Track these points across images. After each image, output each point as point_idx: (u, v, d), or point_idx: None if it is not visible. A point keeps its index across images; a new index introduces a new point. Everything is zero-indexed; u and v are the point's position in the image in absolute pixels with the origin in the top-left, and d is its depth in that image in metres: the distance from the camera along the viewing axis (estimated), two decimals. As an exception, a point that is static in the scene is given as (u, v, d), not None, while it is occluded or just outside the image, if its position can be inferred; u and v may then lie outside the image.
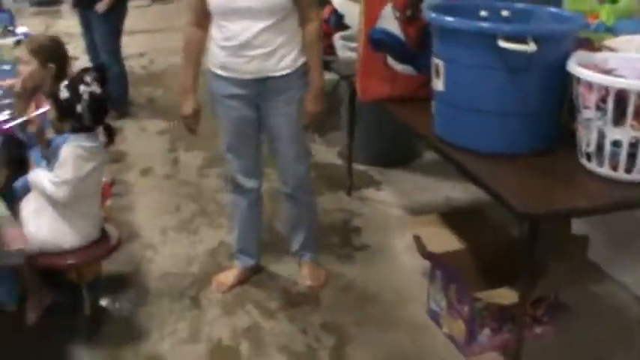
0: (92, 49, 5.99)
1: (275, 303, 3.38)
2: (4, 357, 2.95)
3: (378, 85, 3.50)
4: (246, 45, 2.94)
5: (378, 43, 3.43)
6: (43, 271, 3.10)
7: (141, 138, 5.52)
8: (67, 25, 8.81)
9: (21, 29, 5.29)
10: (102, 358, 2.99)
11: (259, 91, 3.07)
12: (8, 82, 3.63)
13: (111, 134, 3.04)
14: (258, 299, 3.41)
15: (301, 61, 3.07)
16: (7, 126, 3.23)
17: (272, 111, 3.13)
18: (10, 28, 5.05)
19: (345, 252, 3.84)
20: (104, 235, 3.10)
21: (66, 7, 11.87)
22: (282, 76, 3.03)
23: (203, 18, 3.05)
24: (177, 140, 5.47)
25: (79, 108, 2.84)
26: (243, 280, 3.52)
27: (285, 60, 3.01)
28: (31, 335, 3.10)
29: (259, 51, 2.95)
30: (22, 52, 3.35)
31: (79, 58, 6.76)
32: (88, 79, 2.89)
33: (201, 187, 4.67)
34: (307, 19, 3.03)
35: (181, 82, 3.22)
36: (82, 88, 2.85)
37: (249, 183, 3.33)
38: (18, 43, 4.84)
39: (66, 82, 2.92)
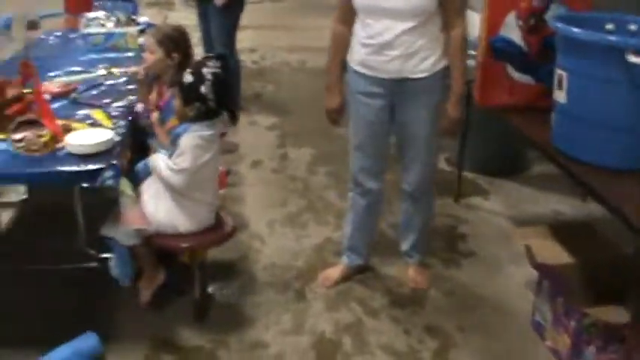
0: (207, 41, 6.25)
1: (379, 302, 3.50)
2: (116, 330, 3.19)
3: (497, 92, 3.58)
4: (387, 44, 3.07)
5: (499, 51, 3.50)
6: (158, 251, 3.32)
7: (251, 131, 5.74)
8: (181, 17, 9.18)
9: (143, 19, 5.59)
10: (207, 341, 3.19)
11: (397, 91, 3.19)
12: (133, 69, 3.86)
13: (234, 116, 3.23)
14: (362, 297, 3.54)
15: (441, 65, 3.16)
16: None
17: (408, 112, 3.24)
18: (134, 17, 5.34)
19: (451, 257, 3.92)
20: (219, 222, 3.30)
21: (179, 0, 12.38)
22: (421, 79, 3.14)
23: (349, 15, 3.19)
24: (286, 136, 5.69)
25: (202, 89, 3.03)
26: (348, 277, 3.67)
27: (425, 63, 3.12)
28: (142, 312, 3.33)
29: (400, 51, 3.07)
30: (147, 40, 3.57)
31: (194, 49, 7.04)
32: (210, 63, 3.09)
33: (309, 183, 4.84)
34: (452, 24, 3.12)
35: (327, 77, 3.39)
36: (205, 70, 3.06)
37: (371, 183, 3.45)
38: (142, 31, 5.14)
39: (190, 69, 3.13)
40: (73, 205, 3.62)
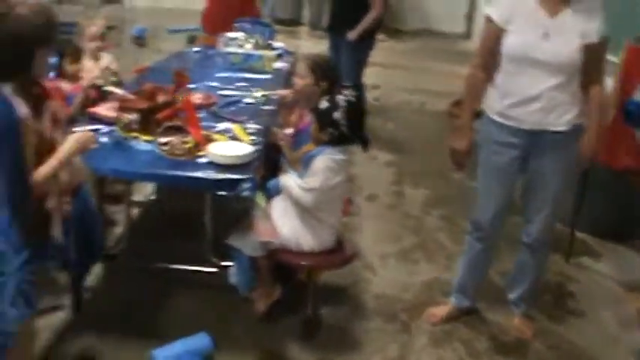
0: (336, 72, 6.53)
1: (482, 345, 3.59)
2: (227, 336, 3.39)
3: (623, 155, 3.62)
4: (531, 98, 3.18)
5: (632, 114, 3.56)
6: (278, 266, 3.52)
7: (369, 166, 5.93)
8: (306, 47, 9.55)
9: (278, 44, 5.90)
10: (312, 358, 3.35)
11: (533, 143, 3.29)
12: (282, 92, 4.06)
13: (365, 143, 3.41)
14: (466, 338, 3.63)
15: (579, 120, 3.26)
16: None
17: (543, 164, 3.33)
18: (270, 42, 5.66)
19: (558, 313, 3.96)
20: (340, 245, 3.48)
21: (304, 29, 12.81)
22: (560, 132, 3.23)
23: (490, 63, 3.32)
24: (403, 174, 5.85)
25: (336, 115, 3.24)
26: (454, 318, 3.77)
27: (565, 117, 3.21)
28: (254, 323, 3.53)
29: (542, 104, 3.18)
30: (299, 66, 3.81)
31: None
32: (345, 92, 3.30)
33: (423, 223, 4.98)
34: (593, 81, 3.22)
35: (459, 119, 3.51)
36: (339, 97, 3.27)
37: (490, 230, 3.55)
38: (279, 56, 5.44)
39: (325, 97, 3.35)
40: (194, 211, 3.90)
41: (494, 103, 3.34)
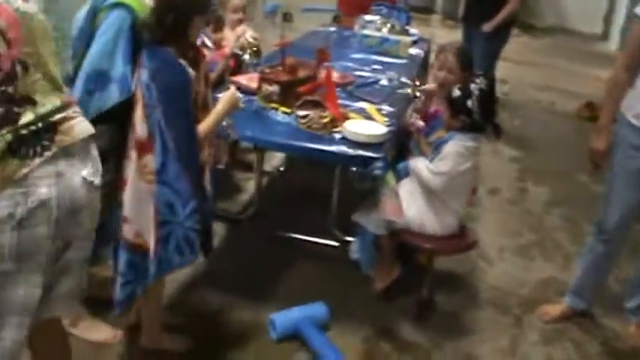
0: (468, 63, 6.57)
1: (594, 349, 3.60)
2: (343, 308, 3.54)
3: None
4: None
5: None
6: (399, 246, 3.64)
7: (493, 160, 5.96)
8: (439, 35, 9.57)
9: (414, 31, 5.99)
10: (425, 340, 3.46)
11: None
12: (430, 86, 4.09)
13: (497, 132, 3.48)
14: (578, 340, 3.65)
15: None
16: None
17: None
18: (407, 28, 5.75)
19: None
20: (462, 231, 3.57)
21: (436, 18, 12.82)
22: None
23: (635, 64, 3.31)
24: (527, 171, 5.86)
25: (469, 103, 3.33)
26: (567, 318, 3.78)
27: None
28: (370, 300, 3.68)
29: None
30: (445, 57, 3.85)
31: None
32: (477, 80, 3.38)
33: (543, 221, 4.99)
34: None
35: (600, 119, 3.51)
36: (472, 86, 3.35)
37: (616, 233, 3.54)
38: (414, 42, 5.53)
39: (458, 85, 3.43)
40: (321, 186, 4.06)
41: (632, 106, 3.33)
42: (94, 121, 2.69)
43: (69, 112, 2.04)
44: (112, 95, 2.70)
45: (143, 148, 2.65)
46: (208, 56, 4.03)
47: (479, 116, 3.35)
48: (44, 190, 1.94)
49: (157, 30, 2.60)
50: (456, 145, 3.35)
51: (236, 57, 4.17)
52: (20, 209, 1.90)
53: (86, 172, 2.07)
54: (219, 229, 4.13)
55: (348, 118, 3.51)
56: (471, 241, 3.60)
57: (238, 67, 4.21)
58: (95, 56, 2.71)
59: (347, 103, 3.84)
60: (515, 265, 4.32)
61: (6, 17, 1.89)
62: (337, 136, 3.36)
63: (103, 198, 3.00)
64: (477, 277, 4.08)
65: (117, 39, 2.69)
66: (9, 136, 1.89)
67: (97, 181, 2.11)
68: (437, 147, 3.41)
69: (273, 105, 3.58)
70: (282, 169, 5.08)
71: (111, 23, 2.71)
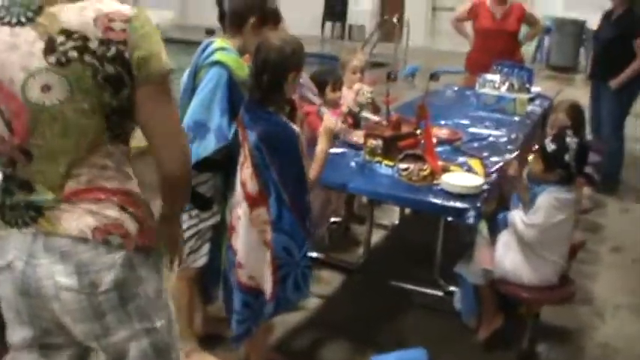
0: (596, 120, 6.53)
1: None
2: (443, 356, 3.61)
3: None
4: None
5: None
6: (499, 296, 3.70)
7: (621, 218, 5.85)
8: (575, 95, 9.46)
9: (535, 89, 6.05)
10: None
11: None
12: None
13: (592, 182, 3.52)
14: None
15: None
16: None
17: None
18: (528, 85, 5.82)
19: None
20: (563, 282, 3.59)
21: (580, 77, 12.65)
22: None
23: None
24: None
25: (567, 157, 3.39)
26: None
27: None
28: (473, 348, 3.73)
29: None
30: (555, 114, 3.93)
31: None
32: (570, 132, 3.44)
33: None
34: None
35: None
36: (568, 139, 3.41)
37: None
38: (531, 100, 5.60)
39: (550, 137, 3.51)
40: (430, 239, 4.21)
41: None
42: (198, 169, 3.03)
43: (64, 206, 1.93)
44: (210, 144, 3.02)
45: (255, 202, 2.91)
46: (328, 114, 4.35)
47: (575, 170, 3.42)
48: (11, 256, 1.96)
49: (256, 91, 2.89)
50: (549, 197, 3.41)
51: (353, 115, 4.43)
52: None
53: (63, 275, 1.92)
54: (331, 277, 4.37)
55: (448, 171, 3.65)
56: (569, 293, 3.61)
57: (356, 124, 4.46)
58: (195, 109, 3.05)
59: (452, 157, 3.98)
60: (630, 323, 4.22)
61: (14, 106, 1.86)
62: (435, 187, 3.51)
63: (211, 241, 3.33)
64: (587, 334, 4.03)
65: (214, 93, 3.03)
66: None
67: (76, 285, 1.93)
68: (531, 199, 3.48)
69: (378, 158, 3.78)
70: (395, 222, 5.26)
71: (209, 79, 3.05)
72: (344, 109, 4.40)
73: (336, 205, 4.64)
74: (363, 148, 3.86)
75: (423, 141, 3.81)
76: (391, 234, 5.19)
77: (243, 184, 2.93)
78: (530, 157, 3.72)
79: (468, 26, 7.09)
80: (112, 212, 1.95)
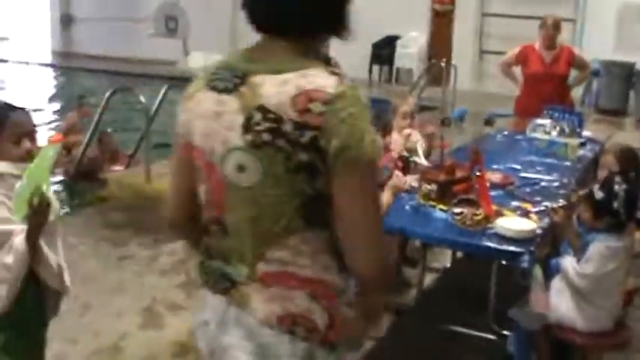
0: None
1: None
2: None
3: None
4: None
5: None
6: (554, 342, 3.72)
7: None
8: (625, 139, 9.43)
9: (586, 133, 6.07)
10: None
11: None
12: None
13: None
14: None
15: None
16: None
17: None
18: (578, 130, 5.85)
19: None
20: (618, 329, 3.60)
21: (629, 120, 12.58)
22: None
23: None
24: None
25: (615, 204, 3.42)
26: None
27: None
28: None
29: None
30: (606, 158, 3.97)
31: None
32: (617, 179, 3.47)
33: None
34: None
35: None
36: (616, 187, 3.44)
37: None
38: (583, 144, 5.63)
39: (598, 185, 3.54)
40: (482, 282, 4.25)
41: None
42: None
43: (255, 285, 1.89)
44: None
45: None
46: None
47: (625, 217, 3.45)
48: (207, 316, 2.01)
49: None
50: (600, 246, 3.45)
51: (404, 159, 4.51)
52: None
53: (245, 352, 1.92)
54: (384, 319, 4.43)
55: (502, 215, 3.70)
56: (625, 339, 3.61)
57: (406, 168, 4.55)
58: None
59: (505, 201, 4.03)
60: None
61: (214, 178, 1.86)
62: (489, 231, 3.56)
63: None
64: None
65: None
66: None
67: None
68: (583, 247, 3.51)
69: (432, 202, 3.85)
70: (447, 265, 5.31)
71: None
72: (394, 154, 4.49)
73: (389, 249, 4.72)
74: (417, 192, 3.94)
75: (476, 185, 3.87)
76: (443, 277, 5.24)
77: None
78: (581, 204, 3.77)
79: (517, 70, 7.16)
80: (302, 302, 1.85)
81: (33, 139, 2.87)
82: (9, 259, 2.71)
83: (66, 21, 21.36)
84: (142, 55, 18.71)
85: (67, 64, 19.48)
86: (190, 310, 4.60)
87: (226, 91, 1.79)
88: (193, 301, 4.73)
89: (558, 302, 3.56)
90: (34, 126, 2.93)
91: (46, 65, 19.91)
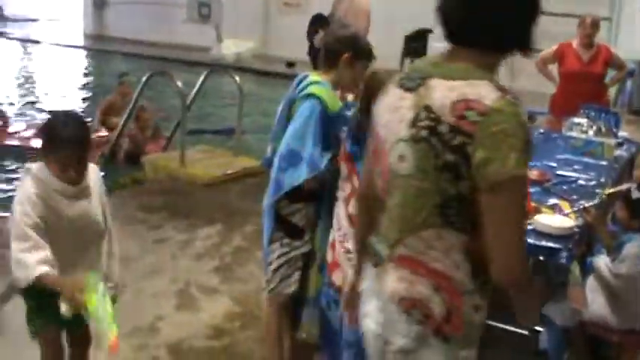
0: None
1: None
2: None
3: None
4: None
5: None
6: (589, 339, 3.75)
7: None
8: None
9: (622, 133, 6.05)
10: None
11: None
12: (624, 186, 4.23)
13: None
14: None
15: None
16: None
17: None
18: (615, 130, 5.83)
19: None
20: None
21: (663, 122, 12.47)
22: None
23: None
24: None
25: None
26: None
27: None
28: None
29: None
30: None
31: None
32: None
33: None
34: None
35: None
36: None
37: None
38: (620, 145, 5.63)
39: (636, 184, 3.56)
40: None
41: None
42: (291, 199, 3.22)
43: (391, 265, 2.14)
44: (302, 173, 3.20)
45: None
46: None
47: None
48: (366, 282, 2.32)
49: (366, 122, 3.03)
50: (635, 246, 3.47)
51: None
52: None
53: (375, 320, 2.23)
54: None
55: (540, 212, 3.74)
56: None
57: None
58: (289, 138, 3.24)
59: (543, 198, 4.06)
60: None
61: (382, 163, 2.10)
62: (528, 228, 3.58)
63: (302, 269, 3.49)
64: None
65: (308, 124, 3.22)
66: None
67: (379, 331, 2.21)
68: (619, 246, 3.54)
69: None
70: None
71: (303, 111, 3.26)
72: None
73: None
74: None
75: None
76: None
77: (353, 218, 3.03)
78: (617, 204, 3.80)
79: (553, 69, 7.16)
80: (425, 290, 2.03)
81: (81, 164, 2.94)
82: (20, 271, 2.83)
83: (99, 3, 21.46)
84: (175, 41, 18.82)
85: (100, 47, 19.61)
86: (225, 295, 4.69)
87: (409, 89, 2.00)
88: (227, 286, 4.83)
89: (592, 300, 3.60)
90: (85, 146, 2.94)
91: (78, 47, 20.06)
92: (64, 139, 2.86)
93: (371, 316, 2.19)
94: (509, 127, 1.81)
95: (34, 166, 2.94)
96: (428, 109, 1.91)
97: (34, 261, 2.76)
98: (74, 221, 2.96)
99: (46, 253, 2.80)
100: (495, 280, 1.97)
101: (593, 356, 3.81)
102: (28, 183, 2.88)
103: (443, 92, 1.89)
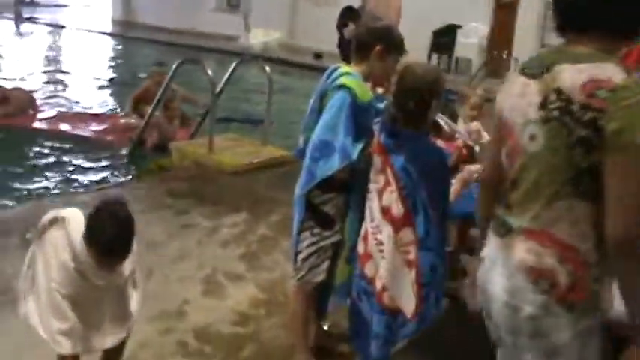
0: None
1: None
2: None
3: None
4: None
5: None
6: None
7: None
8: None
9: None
10: None
11: None
12: None
13: None
14: None
15: None
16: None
17: None
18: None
19: None
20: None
21: None
22: None
23: None
24: None
25: None
26: None
27: None
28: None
29: None
30: None
31: None
32: None
33: None
34: None
35: None
36: None
37: None
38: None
39: None
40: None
41: None
42: (322, 190, 3.26)
43: (520, 237, 2.26)
44: (335, 163, 3.21)
45: (400, 224, 3.07)
46: (443, 146, 4.52)
47: None
48: (486, 252, 2.44)
49: (400, 116, 3.08)
50: None
51: (469, 148, 4.58)
52: None
53: (502, 289, 2.31)
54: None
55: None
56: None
57: (470, 156, 4.61)
58: (321, 129, 3.27)
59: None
60: None
61: (512, 144, 2.26)
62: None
63: (331, 258, 3.52)
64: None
65: (339, 115, 3.23)
66: None
67: (506, 299, 2.31)
68: None
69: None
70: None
71: (335, 101, 3.27)
72: (460, 143, 4.55)
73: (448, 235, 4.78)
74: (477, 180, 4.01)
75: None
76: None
77: (386, 210, 3.07)
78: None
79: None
80: (550, 260, 2.18)
81: (121, 262, 2.95)
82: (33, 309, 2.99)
83: (128, -10, 21.66)
84: (203, 29, 18.91)
85: (127, 34, 19.74)
86: (250, 282, 4.74)
87: (532, 76, 2.18)
88: (253, 273, 4.87)
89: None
90: (127, 253, 2.89)
91: (106, 34, 20.22)
92: (105, 247, 2.80)
93: (496, 283, 2.31)
94: (637, 101, 1.97)
95: (74, 236, 2.87)
96: (558, 91, 2.07)
97: (56, 329, 2.89)
98: (103, 289, 2.99)
99: (70, 324, 2.91)
100: (609, 241, 2.07)
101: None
102: (65, 253, 2.89)
103: (572, 75, 2.06)
